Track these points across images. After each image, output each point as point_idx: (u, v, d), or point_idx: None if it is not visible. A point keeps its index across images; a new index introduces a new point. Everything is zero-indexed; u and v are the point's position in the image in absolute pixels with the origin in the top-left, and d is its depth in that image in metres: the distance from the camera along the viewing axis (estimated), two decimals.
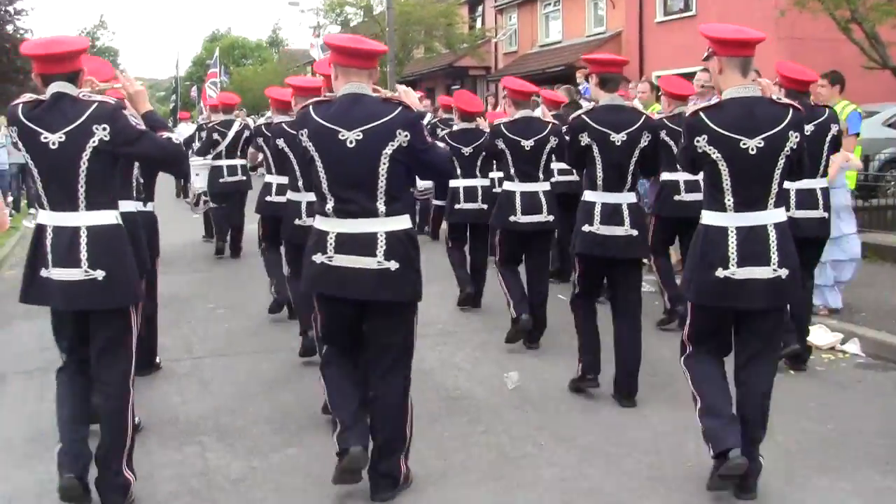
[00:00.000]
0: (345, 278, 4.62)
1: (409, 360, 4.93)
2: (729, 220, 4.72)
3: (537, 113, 7.99)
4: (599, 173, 6.29)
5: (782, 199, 4.83)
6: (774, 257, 4.67)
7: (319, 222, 4.76)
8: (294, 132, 5.32)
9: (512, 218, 7.71)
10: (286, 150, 7.30)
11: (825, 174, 7.07)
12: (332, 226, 4.66)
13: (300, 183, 7.06)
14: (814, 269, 7.33)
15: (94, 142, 4.45)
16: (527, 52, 34.25)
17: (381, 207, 4.62)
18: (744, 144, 4.65)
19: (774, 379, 4.91)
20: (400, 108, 4.66)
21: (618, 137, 6.21)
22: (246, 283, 10.91)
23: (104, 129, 4.46)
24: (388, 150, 4.60)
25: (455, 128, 9.64)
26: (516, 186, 7.77)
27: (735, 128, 4.67)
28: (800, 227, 6.31)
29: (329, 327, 4.98)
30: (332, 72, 4.82)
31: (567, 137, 6.75)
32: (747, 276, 4.66)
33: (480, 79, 37.90)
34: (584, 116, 6.34)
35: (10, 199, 17.23)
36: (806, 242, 6.33)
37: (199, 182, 10.88)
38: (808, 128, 6.20)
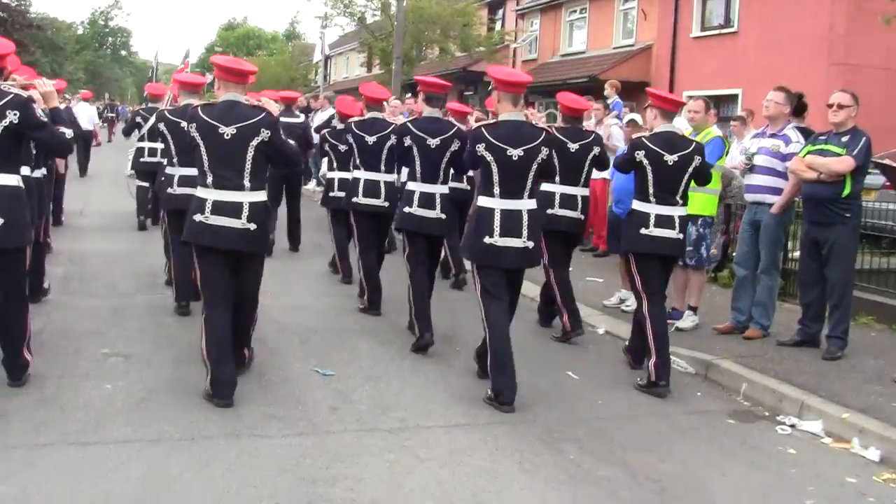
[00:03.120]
0: (218, 234, 6.18)
1: (258, 288, 6.72)
2: (496, 203, 6.57)
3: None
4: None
5: (534, 193, 6.72)
6: (525, 232, 6.56)
7: (200, 192, 6.27)
8: (174, 119, 8.23)
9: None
10: (165, 131, 8.50)
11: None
12: (210, 195, 6.21)
13: (175, 160, 8.51)
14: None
15: (5, 122, 5.83)
16: (547, 61, 31.75)
17: (247, 183, 6.23)
18: (509, 153, 6.51)
19: None
20: (264, 114, 6.28)
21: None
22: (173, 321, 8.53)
23: (15, 114, 5.85)
24: (255, 142, 6.21)
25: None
26: (360, 174, 9.27)
27: (504, 140, 6.54)
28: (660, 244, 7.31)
29: (206, 273, 6.38)
30: (216, 83, 6.44)
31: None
32: (505, 244, 6.52)
33: None
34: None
35: None
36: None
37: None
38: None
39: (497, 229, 6.50)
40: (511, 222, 6.52)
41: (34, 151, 7.53)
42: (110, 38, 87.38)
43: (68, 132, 6.42)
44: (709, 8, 24.41)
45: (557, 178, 8.41)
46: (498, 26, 36.08)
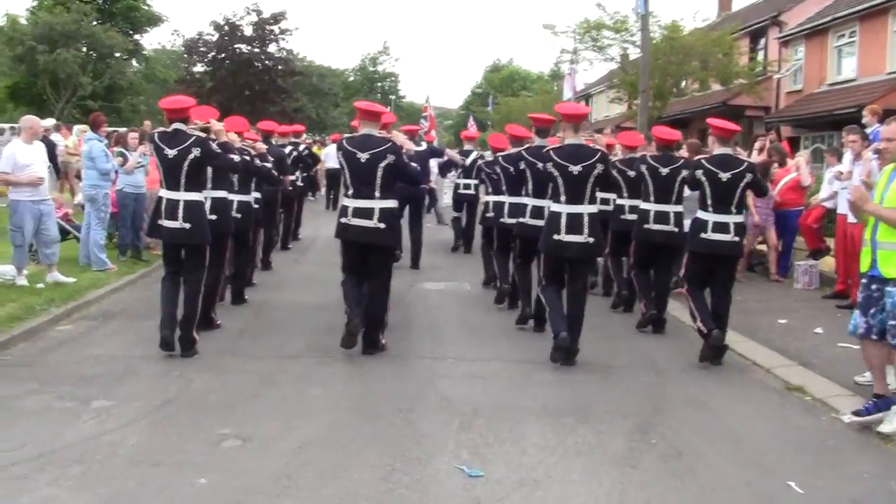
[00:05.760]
0: (355, 231, 8.62)
1: (387, 277, 9.05)
2: (563, 208, 8.60)
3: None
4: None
5: (594, 200, 8.71)
6: (586, 230, 8.55)
7: (345, 201, 8.76)
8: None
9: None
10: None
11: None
12: (352, 203, 8.63)
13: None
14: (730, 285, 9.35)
15: (191, 156, 8.40)
16: (813, 92, 29.17)
17: (378, 194, 8.56)
18: (570, 168, 8.52)
19: None
20: (390, 143, 8.63)
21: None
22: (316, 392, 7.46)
23: (197, 150, 8.42)
24: (383, 164, 8.52)
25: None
26: (505, 198, 11.27)
27: (567, 158, 8.56)
28: (717, 246, 8.92)
29: (346, 258, 8.95)
30: (358, 120, 9.01)
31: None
32: (570, 240, 8.56)
33: (758, 120, 32.82)
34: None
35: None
36: (715, 260, 9.07)
37: (446, 199, 13.70)
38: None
39: (563, 228, 8.56)
40: (574, 222, 8.57)
41: (232, 179, 10.21)
42: (379, 84, 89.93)
43: (236, 157, 9.35)
44: None
45: (652, 198, 10.36)
46: (760, 56, 33.60)
